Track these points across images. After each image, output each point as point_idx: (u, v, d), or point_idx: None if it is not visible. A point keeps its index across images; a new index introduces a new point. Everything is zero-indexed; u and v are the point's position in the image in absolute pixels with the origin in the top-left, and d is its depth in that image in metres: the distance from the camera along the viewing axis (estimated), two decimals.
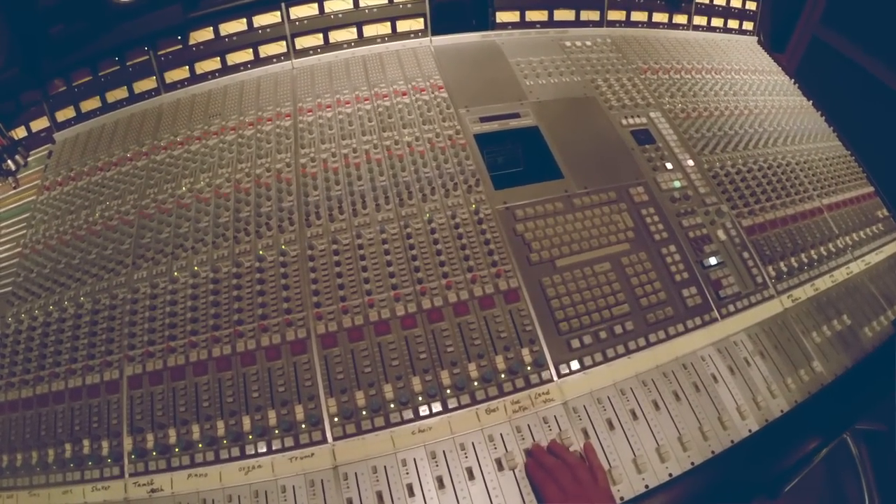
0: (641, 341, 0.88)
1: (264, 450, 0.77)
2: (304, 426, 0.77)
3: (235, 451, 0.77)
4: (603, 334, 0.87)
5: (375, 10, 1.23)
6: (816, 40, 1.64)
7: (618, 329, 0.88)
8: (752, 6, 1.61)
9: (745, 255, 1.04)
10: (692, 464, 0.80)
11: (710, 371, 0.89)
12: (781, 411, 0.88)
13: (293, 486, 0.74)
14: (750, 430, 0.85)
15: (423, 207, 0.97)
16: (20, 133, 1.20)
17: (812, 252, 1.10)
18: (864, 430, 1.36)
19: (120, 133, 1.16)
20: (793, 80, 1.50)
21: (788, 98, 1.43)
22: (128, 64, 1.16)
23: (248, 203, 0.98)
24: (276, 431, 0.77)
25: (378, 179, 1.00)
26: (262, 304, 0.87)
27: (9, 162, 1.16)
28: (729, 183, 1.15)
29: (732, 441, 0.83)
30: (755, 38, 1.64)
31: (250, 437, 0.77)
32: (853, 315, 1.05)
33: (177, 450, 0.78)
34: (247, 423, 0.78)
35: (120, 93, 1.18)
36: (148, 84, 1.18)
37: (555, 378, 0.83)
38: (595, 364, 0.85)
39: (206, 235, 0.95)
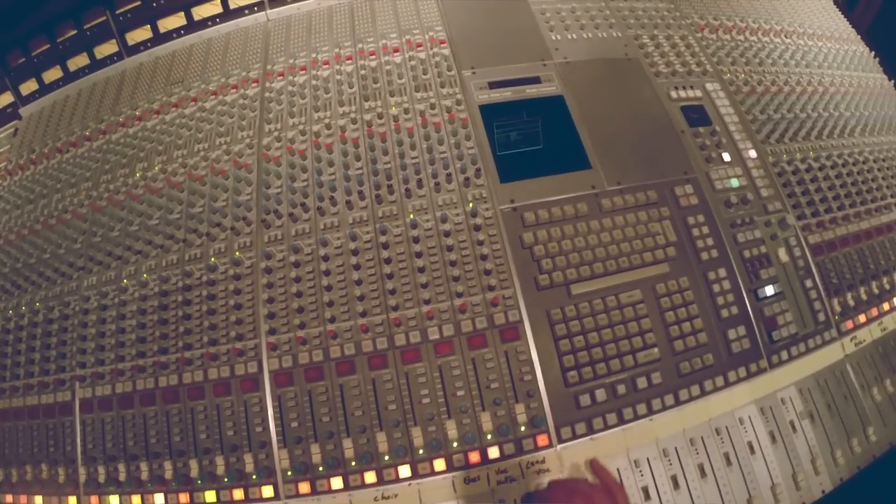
0: (669, 399, 0.59)
1: (213, 500, 0.56)
2: (254, 478, 0.56)
3: (184, 498, 0.57)
4: (622, 388, 0.58)
5: None
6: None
7: (641, 382, 0.59)
8: None
9: (808, 283, 0.71)
10: None
11: (748, 438, 0.61)
12: (823, 492, 0.61)
13: None
14: None
15: (407, 206, 0.65)
16: None
17: (884, 280, 0.75)
18: None
19: (82, 105, 0.88)
20: (872, 53, 1.01)
21: (867, 75, 0.97)
22: (85, 27, 0.86)
23: (203, 195, 0.70)
24: (226, 480, 0.56)
25: (353, 166, 0.68)
26: (211, 327, 0.62)
27: None
28: (797, 184, 0.77)
29: None
30: None
31: (199, 482, 0.57)
32: None
33: (127, 487, 0.59)
34: (194, 467, 0.57)
35: (81, 59, 0.89)
36: (109, 48, 0.88)
37: (554, 444, 0.56)
38: (607, 427, 0.57)
39: (156, 236, 0.69)
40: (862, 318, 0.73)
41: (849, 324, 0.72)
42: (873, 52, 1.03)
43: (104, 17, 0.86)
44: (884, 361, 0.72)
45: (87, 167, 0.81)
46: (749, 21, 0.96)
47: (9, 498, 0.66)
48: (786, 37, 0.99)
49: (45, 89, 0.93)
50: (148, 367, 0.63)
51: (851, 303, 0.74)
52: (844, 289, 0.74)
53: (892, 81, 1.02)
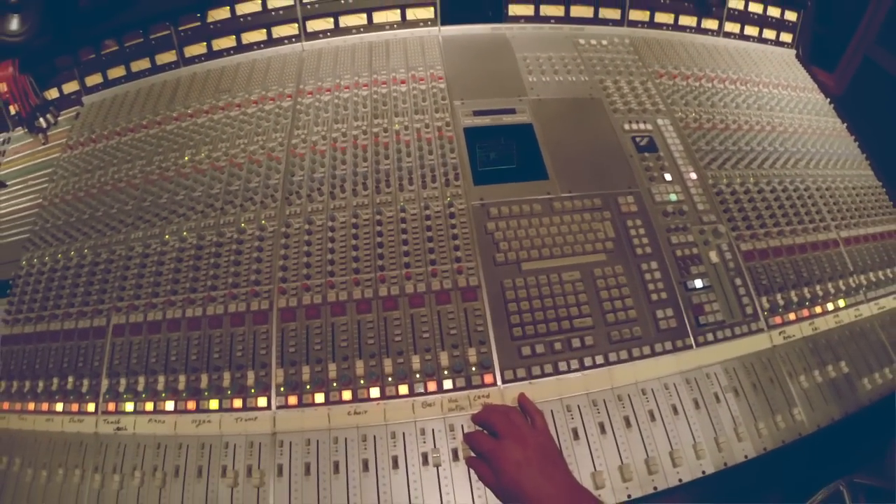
0: (599, 359, 0.84)
1: (216, 407, 0.80)
2: (252, 391, 0.80)
3: (191, 405, 0.81)
4: (558, 345, 0.84)
5: None
6: (868, 61, 1.45)
7: (575, 342, 0.84)
8: (791, 17, 1.46)
9: (738, 281, 0.95)
10: (629, 496, 0.75)
11: (672, 402, 0.82)
12: (745, 457, 0.80)
13: (234, 444, 0.77)
14: (703, 472, 0.78)
15: (399, 196, 0.96)
16: (53, 94, 1.29)
17: (818, 287, 0.99)
18: (865, 484, 1.24)
19: (140, 102, 1.23)
20: (829, 100, 1.35)
21: (819, 119, 1.29)
22: (151, 37, 1.22)
23: (240, 177, 1.02)
24: (229, 392, 0.81)
25: (360, 165, 1.00)
26: (235, 274, 0.91)
27: (41, 119, 1.24)
28: (734, 202, 1.05)
29: (681, 480, 0.77)
30: (793, 52, 1.47)
31: (206, 393, 0.81)
32: (853, 363, 0.93)
33: (144, 395, 0.83)
34: (204, 380, 0.82)
35: (143, 63, 1.25)
36: (168, 57, 1.24)
37: (499, 383, 0.81)
38: (543, 375, 0.82)
39: (198, 205, 1.00)
40: (792, 316, 0.95)
41: (777, 319, 0.94)
42: (838, 113, 1.33)
43: (168, 31, 1.23)
44: (813, 356, 0.92)
45: (141, 149, 1.13)
46: (707, 70, 1.31)
47: (31, 405, 0.89)
48: (742, 84, 1.33)
49: (108, 84, 1.28)
50: (178, 301, 0.90)
51: (781, 302, 0.96)
52: (775, 290, 0.97)
53: (846, 124, 1.32)
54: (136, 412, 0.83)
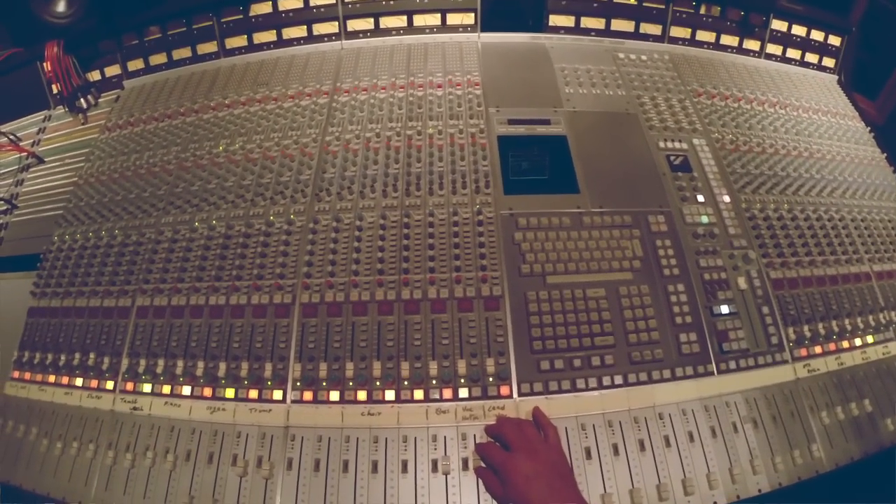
0: (618, 379, 0.80)
1: (232, 396, 0.80)
2: (269, 383, 0.79)
3: (208, 392, 0.81)
4: (577, 362, 0.81)
5: (427, 0, 1.20)
6: None
7: (595, 360, 0.81)
8: (835, 41, 1.39)
9: (765, 309, 0.90)
10: None
11: (689, 428, 0.79)
12: (759, 491, 0.76)
13: (247, 434, 0.77)
14: (715, 503, 0.74)
15: (428, 201, 0.94)
16: (95, 76, 1.30)
17: (847, 321, 0.94)
18: None
19: (179, 89, 1.23)
20: (869, 129, 1.28)
21: (859, 147, 1.23)
22: (193, 27, 1.23)
23: (272, 171, 1.01)
24: (246, 382, 0.80)
25: (392, 166, 0.98)
26: (260, 266, 0.90)
27: (81, 100, 1.26)
28: (766, 228, 1.00)
29: None
30: (835, 77, 1.41)
31: (223, 381, 0.81)
32: (878, 401, 0.88)
33: (162, 378, 0.83)
34: (222, 368, 0.81)
35: (184, 52, 1.25)
36: (209, 47, 1.24)
37: (515, 396, 0.78)
38: (560, 391, 0.79)
39: (229, 194, 0.99)
40: (818, 349, 0.91)
41: (803, 351, 0.90)
42: (877, 142, 1.26)
43: (211, 22, 1.23)
44: (837, 391, 0.88)
45: (177, 135, 1.14)
46: (746, 92, 1.26)
47: (51, 377, 0.89)
48: (781, 108, 1.27)
49: (149, 70, 1.29)
50: (203, 288, 0.89)
51: (808, 334, 0.91)
52: (802, 321, 0.93)
53: (885, 155, 1.26)
54: (153, 394, 0.83)
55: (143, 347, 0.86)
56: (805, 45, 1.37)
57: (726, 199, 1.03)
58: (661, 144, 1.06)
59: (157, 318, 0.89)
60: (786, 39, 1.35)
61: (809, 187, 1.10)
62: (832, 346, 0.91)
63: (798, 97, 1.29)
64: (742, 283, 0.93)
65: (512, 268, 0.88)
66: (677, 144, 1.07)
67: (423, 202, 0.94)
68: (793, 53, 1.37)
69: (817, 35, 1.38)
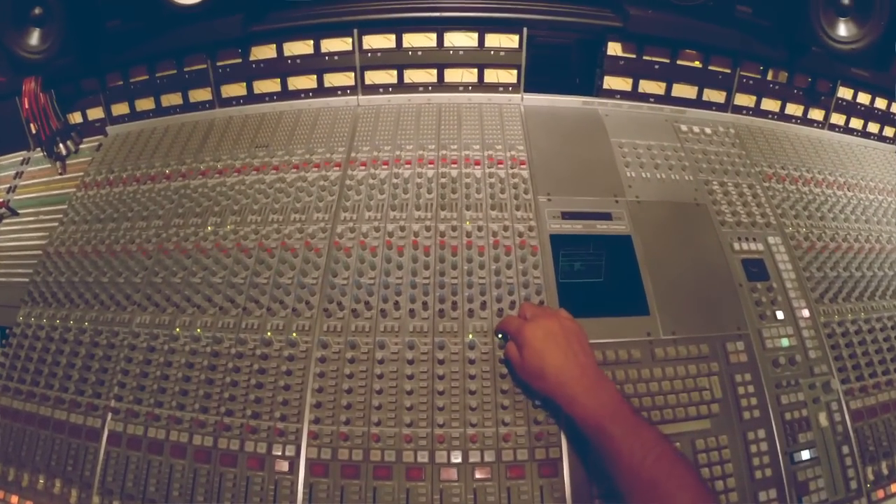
0: None
1: None
2: None
3: None
4: None
5: (462, 52, 0.92)
6: None
7: None
8: None
9: (845, 449, 0.72)
10: None
11: None
12: None
13: None
14: None
15: (467, 326, 0.70)
16: (76, 118, 1.03)
17: None
18: None
19: (167, 142, 0.96)
20: None
21: None
22: (185, 70, 0.95)
23: (270, 267, 0.75)
24: None
25: (421, 274, 0.73)
26: (256, 400, 0.66)
27: (60, 145, 1.00)
28: (845, 346, 0.80)
29: None
30: (895, 148, 1.19)
31: None
32: None
33: None
34: None
35: (174, 98, 0.98)
36: (203, 94, 0.97)
37: None
38: None
39: (217, 294, 0.74)
40: (894, 487, 0.73)
41: (880, 493, 0.73)
42: None
43: (205, 66, 0.96)
44: None
45: (160, 205, 0.87)
46: (815, 171, 1.03)
47: (14, 499, 0.68)
48: (848, 190, 1.05)
49: (135, 116, 1.02)
50: (185, 420, 0.66)
51: (885, 471, 0.74)
52: (880, 456, 0.75)
53: None
54: None
55: (117, 485, 0.65)
56: (868, 113, 1.15)
57: (805, 313, 0.81)
58: (736, 246, 0.83)
59: (132, 448, 0.67)
60: (850, 108, 1.12)
61: (885, 289, 0.88)
62: None
63: (863, 175, 1.07)
64: (823, 419, 0.73)
65: (571, 419, 0.64)
66: (752, 245, 0.84)
67: (460, 327, 0.70)
68: (855, 123, 1.15)
69: (881, 103, 1.17)
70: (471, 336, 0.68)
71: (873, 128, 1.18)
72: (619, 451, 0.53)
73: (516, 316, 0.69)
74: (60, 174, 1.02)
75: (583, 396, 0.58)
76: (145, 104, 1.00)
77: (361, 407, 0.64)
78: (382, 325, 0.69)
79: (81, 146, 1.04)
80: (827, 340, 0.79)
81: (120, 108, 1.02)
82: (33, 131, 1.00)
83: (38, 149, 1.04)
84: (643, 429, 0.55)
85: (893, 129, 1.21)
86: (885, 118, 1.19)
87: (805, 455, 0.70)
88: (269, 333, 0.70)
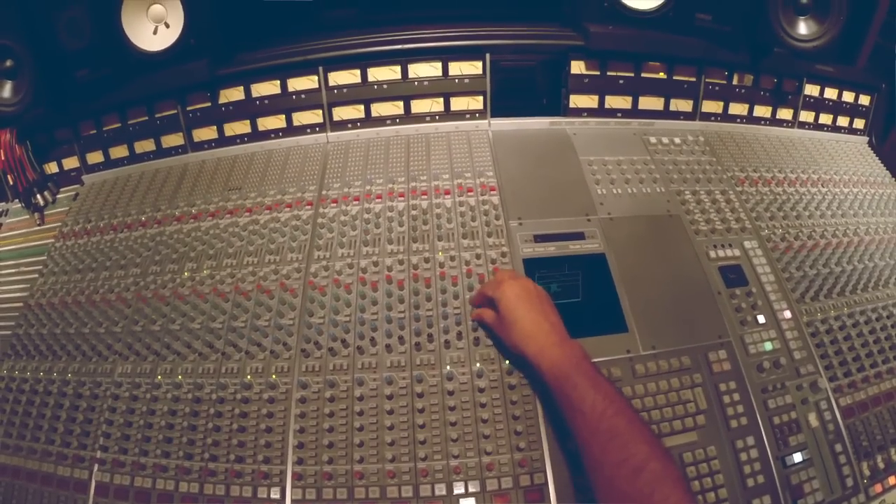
0: None
1: None
2: None
3: None
4: None
5: (426, 82, 0.95)
6: None
7: None
8: (865, 101, 1.19)
9: (838, 447, 0.72)
10: None
11: None
12: None
13: None
14: None
15: (444, 357, 0.70)
16: (52, 168, 1.06)
17: None
18: None
19: (142, 189, 0.98)
20: None
21: None
22: (156, 116, 0.97)
23: (247, 310, 0.76)
24: None
25: (395, 308, 0.74)
26: (239, 444, 0.66)
27: (38, 196, 1.03)
28: (830, 343, 0.81)
29: None
30: (866, 139, 1.22)
31: None
32: None
33: None
34: None
35: (147, 144, 1.00)
36: (175, 140, 0.99)
37: None
38: None
39: (196, 340, 0.75)
40: (891, 479, 0.74)
41: (878, 487, 0.73)
42: None
43: (175, 111, 0.98)
44: None
45: (138, 253, 0.89)
46: (787, 171, 1.05)
47: None
48: (822, 185, 1.06)
49: (109, 164, 1.04)
50: (171, 468, 0.67)
51: (881, 465, 0.75)
52: (875, 451, 0.75)
53: None
54: None
55: None
56: (837, 108, 1.17)
57: (787, 314, 0.82)
58: (712, 254, 0.84)
59: (120, 499, 0.67)
60: (818, 104, 1.15)
61: (865, 281, 0.90)
62: None
63: (836, 170, 1.09)
64: (813, 420, 0.73)
65: (556, 446, 0.65)
66: (729, 252, 0.85)
67: (437, 359, 0.70)
68: (825, 118, 1.17)
69: (848, 96, 1.19)
70: (448, 367, 0.69)
71: (843, 121, 1.20)
72: (582, 399, 0.56)
73: (487, 282, 0.75)
74: (39, 225, 1.04)
75: (551, 348, 0.62)
76: (119, 151, 1.02)
77: (343, 445, 0.65)
78: (360, 362, 0.70)
79: (59, 196, 1.06)
80: (811, 340, 0.80)
81: (95, 157, 1.04)
82: (10, 183, 1.03)
83: (16, 200, 1.07)
84: (605, 383, 0.58)
85: (863, 121, 1.24)
86: (853, 111, 1.21)
87: (797, 458, 0.70)
88: (248, 377, 0.71)
